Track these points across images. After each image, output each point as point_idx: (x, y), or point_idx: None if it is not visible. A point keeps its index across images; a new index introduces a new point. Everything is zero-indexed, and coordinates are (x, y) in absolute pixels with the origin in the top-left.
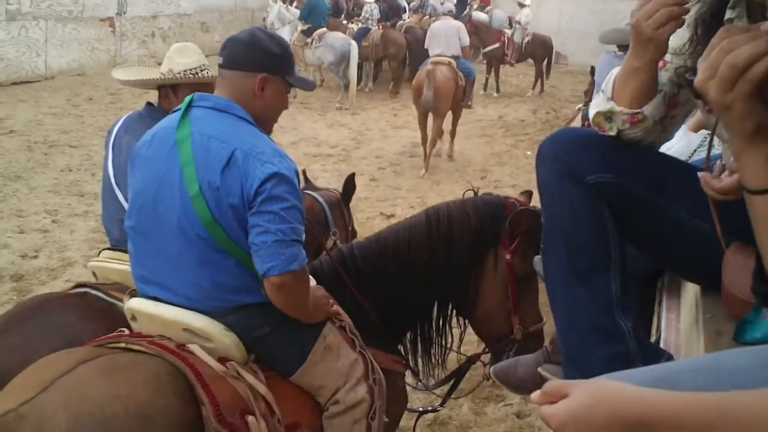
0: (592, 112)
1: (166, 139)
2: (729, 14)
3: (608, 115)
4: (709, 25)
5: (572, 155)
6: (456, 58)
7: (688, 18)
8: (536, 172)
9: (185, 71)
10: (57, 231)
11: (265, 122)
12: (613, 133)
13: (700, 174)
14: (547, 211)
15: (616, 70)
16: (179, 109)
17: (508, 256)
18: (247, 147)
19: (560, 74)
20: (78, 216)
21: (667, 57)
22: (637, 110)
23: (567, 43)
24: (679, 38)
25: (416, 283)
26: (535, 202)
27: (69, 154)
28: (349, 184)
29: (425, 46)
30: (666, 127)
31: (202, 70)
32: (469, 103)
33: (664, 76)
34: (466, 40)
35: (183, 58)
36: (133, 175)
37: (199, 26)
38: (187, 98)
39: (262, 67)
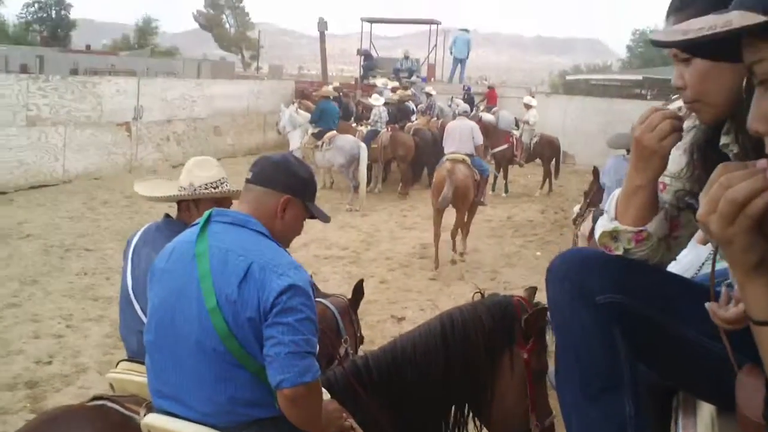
0: (597, 233)
1: (185, 252)
2: (724, 140)
3: (614, 234)
4: (704, 150)
5: (582, 275)
6: (470, 156)
7: (684, 144)
8: (546, 291)
9: (206, 185)
10: (71, 336)
11: (282, 241)
12: (619, 252)
13: (707, 304)
14: (559, 331)
15: (617, 191)
16: (198, 223)
17: (525, 355)
18: (264, 260)
19: (568, 174)
20: (92, 320)
21: (666, 180)
22: (641, 228)
23: (574, 143)
24: (676, 163)
25: (434, 390)
26: (540, 297)
27: (84, 257)
28: (358, 291)
29: (442, 144)
30: (671, 247)
31: (221, 184)
32: (482, 200)
33: (664, 197)
34: (480, 139)
35: (203, 171)
36: (153, 289)
37: (212, 130)
38: (206, 213)
39: (287, 189)
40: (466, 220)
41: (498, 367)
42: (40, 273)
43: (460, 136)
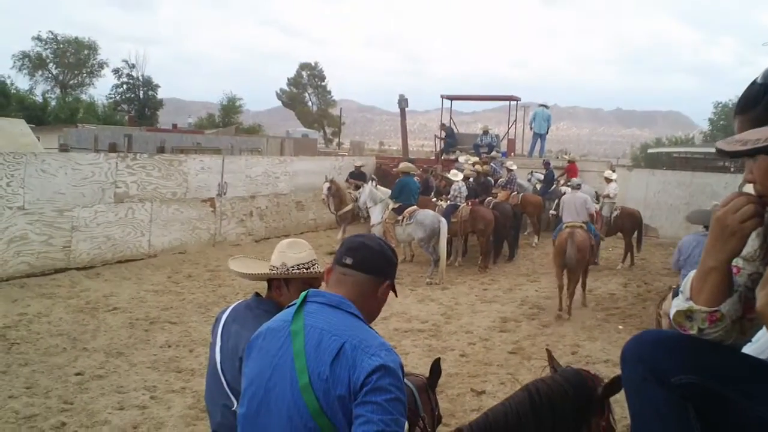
0: (672, 312)
1: (281, 331)
2: None
3: (688, 314)
4: None
5: (656, 356)
6: (585, 223)
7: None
8: (621, 373)
9: (298, 265)
10: (155, 407)
11: (369, 319)
12: (694, 332)
13: None
14: (633, 412)
15: (692, 273)
16: (295, 304)
17: (603, 423)
18: (356, 340)
19: (650, 247)
20: (175, 392)
21: (740, 263)
22: (715, 308)
23: (657, 216)
24: (750, 246)
25: None
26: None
27: (168, 330)
28: (435, 369)
29: (557, 214)
30: (745, 329)
31: (313, 265)
32: (595, 261)
33: (738, 280)
34: (592, 209)
35: (295, 252)
36: (248, 365)
37: (295, 205)
38: (303, 294)
39: (387, 275)
40: (582, 275)
41: None
42: (126, 345)
43: (576, 207)
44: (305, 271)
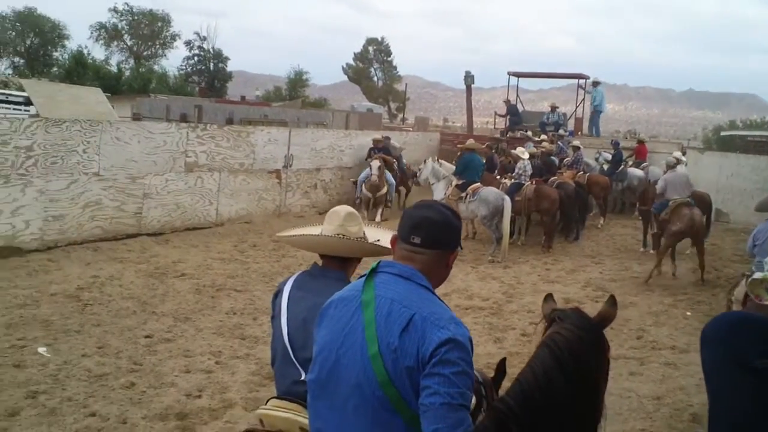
0: (749, 282)
1: (352, 300)
2: None
3: (764, 284)
4: None
5: (738, 339)
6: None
7: None
8: (701, 354)
9: (358, 239)
10: (220, 372)
11: (437, 285)
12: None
13: None
14: (713, 393)
15: None
16: (365, 274)
17: (609, 355)
18: (426, 312)
19: (721, 232)
20: (239, 358)
21: None
22: None
23: (729, 201)
24: None
25: (564, 411)
26: (689, 358)
27: (234, 297)
28: (500, 369)
29: (661, 193)
30: None
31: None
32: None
33: None
34: (692, 186)
35: (353, 225)
36: (320, 332)
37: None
38: (373, 264)
39: (454, 244)
40: (699, 252)
41: (602, 376)
42: (193, 311)
43: (681, 184)
44: (380, 246)
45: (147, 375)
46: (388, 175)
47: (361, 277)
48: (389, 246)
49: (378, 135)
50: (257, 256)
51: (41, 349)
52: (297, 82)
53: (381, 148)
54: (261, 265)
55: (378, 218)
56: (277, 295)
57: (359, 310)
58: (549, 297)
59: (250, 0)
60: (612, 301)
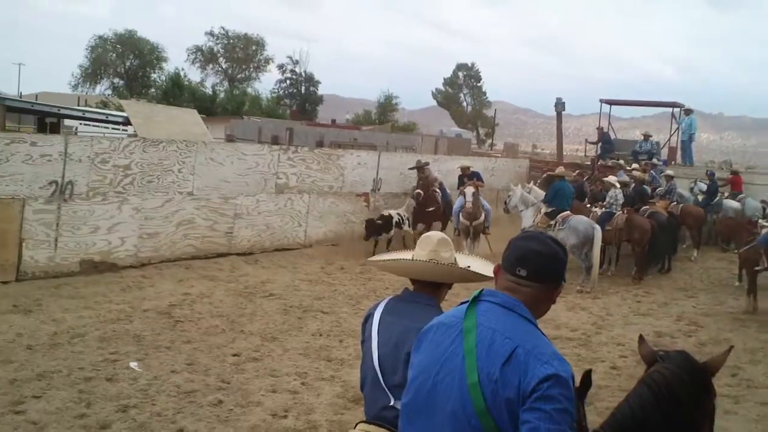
0: None
1: (453, 327)
2: None
3: None
4: None
5: None
6: None
7: None
8: None
9: (451, 265)
10: (305, 393)
11: (538, 317)
12: None
13: None
14: None
15: None
16: (467, 301)
17: (714, 400)
18: (530, 345)
19: None
20: (325, 380)
21: None
22: None
23: None
24: None
25: None
26: None
27: (320, 319)
28: (586, 381)
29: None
30: None
31: (468, 267)
32: None
33: None
34: None
35: (445, 251)
36: (417, 356)
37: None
38: (475, 291)
39: (560, 278)
40: None
41: (704, 414)
42: (280, 331)
43: None
44: (473, 272)
45: (234, 393)
46: (485, 201)
47: (462, 303)
48: (482, 273)
49: (466, 162)
50: (344, 279)
51: (133, 364)
52: (387, 106)
53: (471, 175)
54: (347, 288)
55: (477, 248)
56: (367, 319)
57: (460, 337)
58: (643, 339)
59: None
60: (728, 351)
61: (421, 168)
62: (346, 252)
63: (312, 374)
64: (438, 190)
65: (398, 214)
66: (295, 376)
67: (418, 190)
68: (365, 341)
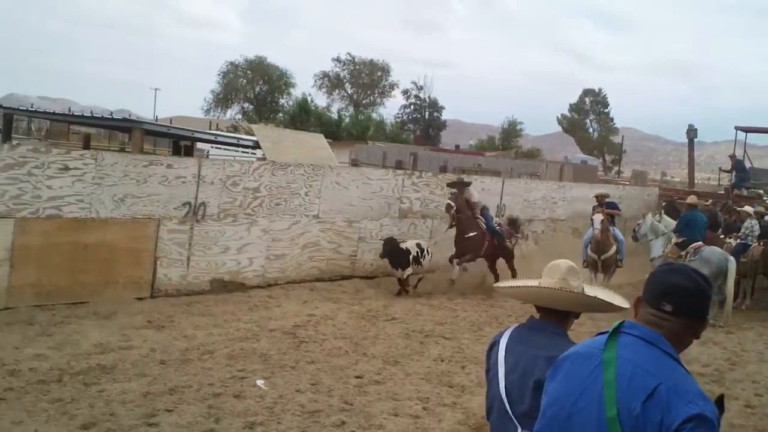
0: None
1: (591, 357)
2: None
3: None
4: None
5: None
6: None
7: None
8: None
9: (581, 293)
10: (427, 418)
11: (679, 352)
12: None
13: None
14: None
15: None
16: (606, 332)
17: None
18: (672, 383)
19: None
20: (447, 406)
21: None
22: None
23: None
24: None
25: None
26: None
27: (442, 344)
28: (718, 407)
29: None
30: None
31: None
32: None
33: None
34: None
35: (575, 279)
36: (552, 385)
37: (571, 231)
38: (615, 323)
39: (706, 314)
40: None
41: None
42: (402, 355)
43: None
44: (605, 302)
45: (357, 415)
46: (617, 232)
47: (600, 334)
48: (615, 303)
49: (601, 190)
50: (466, 305)
51: (259, 382)
52: (510, 131)
53: (607, 205)
54: (469, 314)
55: (599, 282)
56: (492, 347)
57: (599, 369)
58: None
59: (468, 50)
60: None
61: (459, 185)
62: (468, 278)
63: (434, 399)
64: (480, 216)
65: (418, 245)
66: (417, 401)
67: (449, 201)
68: (490, 369)
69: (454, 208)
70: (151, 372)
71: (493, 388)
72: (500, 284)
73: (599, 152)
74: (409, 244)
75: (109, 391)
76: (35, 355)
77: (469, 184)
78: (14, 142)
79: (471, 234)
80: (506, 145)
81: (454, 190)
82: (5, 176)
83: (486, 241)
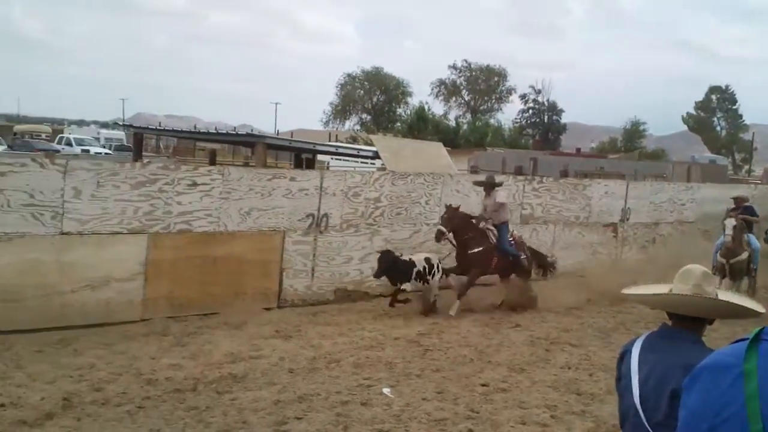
0: None
1: (731, 368)
2: None
3: None
4: None
5: None
6: None
7: None
8: None
9: (714, 299)
10: (555, 427)
11: None
12: None
13: None
14: None
15: None
16: (745, 339)
17: None
18: None
19: None
20: (575, 414)
21: None
22: None
23: None
24: None
25: None
26: None
27: (568, 352)
28: None
29: None
30: None
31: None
32: None
33: None
34: None
35: (709, 285)
36: (690, 396)
37: (701, 234)
38: (754, 330)
39: None
40: None
41: None
42: (527, 362)
43: None
44: (743, 307)
45: (483, 423)
46: (752, 238)
47: (738, 341)
48: (751, 308)
49: (741, 192)
50: (592, 311)
51: (386, 390)
52: (633, 132)
53: (743, 209)
54: (596, 320)
55: (737, 288)
56: (623, 356)
57: (740, 381)
58: None
59: (587, 51)
60: None
61: (488, 186)
62: (593, 284)
63: (562, 407)
64: (492, 227)
65: (427, 260)
66: (545, 409)
67: (440, 228)
68: (622, 378)
69: (446, 234)
70: (281, 380)
71: (626, 398)
72: (629, 290)
73: (728, 151)
74: (417, 258)
75: (241, 400)
76: (170, 364)
77: (499, 184)
78: (145, 160)
79: (476, 250)
80: (629, 146)
81: (449, 203)
82: (138, 193)
83: (495, 257)
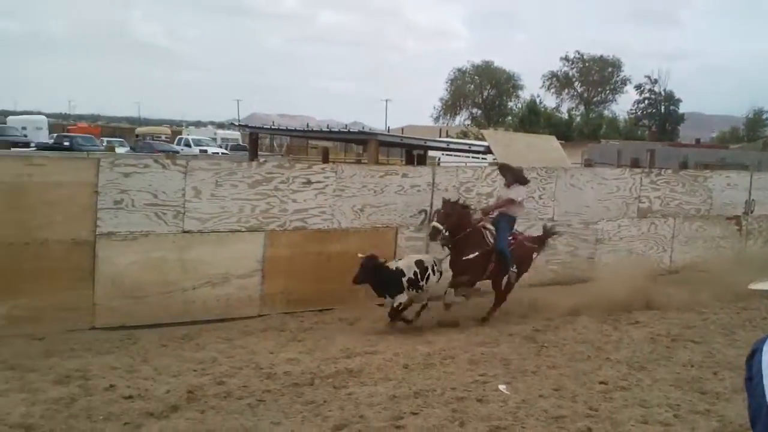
0: None
1: None
2: None
3: None
4: None
5: None
6: None
7: None
8: None
9: None
10: (678, 426)
11: None
12: None
13: None
14: None
15: None
16: None
17: None
18: None
19: None
20: (699, 414)
21: None
22: None
23: None
24: None
25: None
26: None
27: (691, 349)
28: None
29: None
30: None
31: None
32: None
33: None
34: None
35: None
36: None
37: None
38: None
39: None
40: None
41: None
42: (648, 360)
43: None
44: None
45: (603, 421)
46: None
47: None
48: None
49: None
50: (715, 307)
51: (501, 387)
52: (756, 121)
53: None
54: (719, 317)
55: None
56: (753, 354)
57: None
58: None
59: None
60: None
61: (507, 172)
62: (716, 278)
63: (685, 407)
64: (490, 225)
65: (418, 263)
66: (667, 408)
67: (434, 224)
68: (752, 378)
69: (442, 232)
70: (396, 376)
71: (757, 397)
72: (756, 285)
73: None
74: (405, 263)
75: (357, 394)
76: (288, 359)
77: (520, 171)
78: (261, 159)
79: (471, 256)
80: (752, 136)
81: (447, 197)
82: (254, 192)
83: (491, 263)
